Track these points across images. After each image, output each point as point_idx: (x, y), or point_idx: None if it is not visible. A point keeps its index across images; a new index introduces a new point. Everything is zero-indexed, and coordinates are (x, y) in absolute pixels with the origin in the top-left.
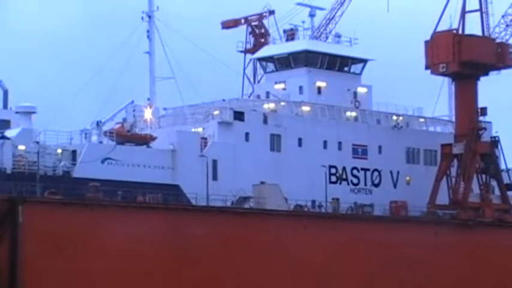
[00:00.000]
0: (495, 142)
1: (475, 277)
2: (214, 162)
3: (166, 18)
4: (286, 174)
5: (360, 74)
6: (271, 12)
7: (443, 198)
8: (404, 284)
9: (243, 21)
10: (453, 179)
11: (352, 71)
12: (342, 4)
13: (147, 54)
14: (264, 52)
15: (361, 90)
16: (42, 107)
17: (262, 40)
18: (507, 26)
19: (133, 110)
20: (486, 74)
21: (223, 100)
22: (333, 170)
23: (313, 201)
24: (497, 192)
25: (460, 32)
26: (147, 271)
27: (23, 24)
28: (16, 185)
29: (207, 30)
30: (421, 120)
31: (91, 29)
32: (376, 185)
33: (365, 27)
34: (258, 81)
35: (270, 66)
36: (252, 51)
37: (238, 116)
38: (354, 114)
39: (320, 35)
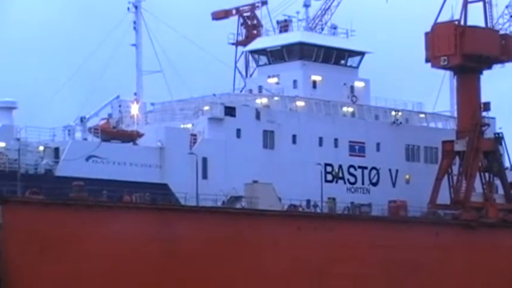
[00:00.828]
0: (499, 139)
1: (477, 281)
2: (204, 160)
3: (153, 9)
4: (279, 172)
5: (357, 67)
6: (264, 3)
7: (444, 197)
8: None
9: (234, 12)
10: (455, 178)
11: (349, 64)
12: None
13: (133, 46)
14: (256, 44)
15: (359, 84)
16: (23, 102)
17: (255, 32)
18: (511, 17)
19: (119, 106)
20: (489, 67)
21: (214, 95)
22: (329, 168)
23: (308, 201)
24: (501, 191)
25: (462, 23)
26: (134, 274)
27: (1, 15)
28: None
29: (196, 21)
30: (422, 115)
31: (74, 20)
32: (374, 184)
33: (362, 18)
34: (250, 75)
35: (263, 59)
36: (244, 43)
37: (230, 111)
38: (350, 109)
39: (315, 27)
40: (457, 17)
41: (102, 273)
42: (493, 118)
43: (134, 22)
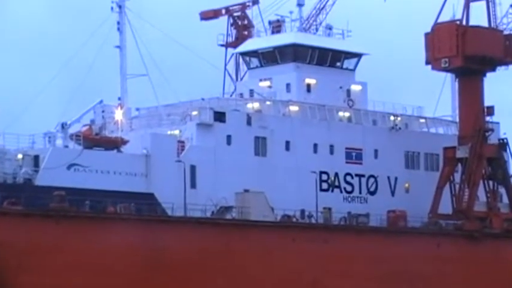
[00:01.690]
0: (503, 145)
1: None
2: (193, 168)
3: (138, 9)
4: (272, 181)
5: (354, 69)
6: (255, 2)
7: (446, 207)
8: None
9: (223, 11)
10: (457, 186)
11: (345, 66)
12: None
13: (117, 48)
14: (247, 46)
15: (355, 87)
16: (1, 107)
17: (245, 33)
18: None
19: (103, 111)
20: (493, 69)
21: (202, 99)
22: (324, 177)
23: (303, 211)
24: (505, 200)
25: (464, 23)
26: None
27: None
28: None
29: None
30: (422, 120)
31: (54, 20)
32: (372, 193)
33: (359, 17)
34: (241, 78)
35: (254, 61)
36: (234, 44)
37: (219, 116)
38: (347, 114)
39: (309, 27)
40: (458, 16)
41: (83, 287)
42: (497, 123)
43: (118, 23)
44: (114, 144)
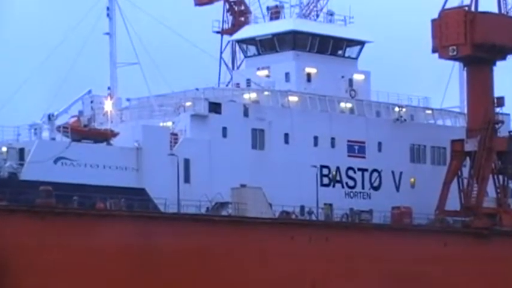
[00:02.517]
0: None
1: None
2: (187, 161)
3: None
4: (270, 175)
5: (357, 58)
6: None
7: (453, 203)
8: None
9: None
10: (465, 181)
11: (347, 54)
12: None
13: (107, 35)
14: (244, 33)
15: (358, 77)
16: None
17: (242, 19)
18: None
19: (91, 101)
20: (503, 58)
21: (197, 89)
22: (325, 171)
23: (302, 207)
24: None
25: (473, 9)
26: None
27: None
28: None
29: (177, 7)
30: (428, 112)
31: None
32: (376, 188)
33: (362, 3)
34: (238, 67)
35: (251, 49)
36: (230, 31)
37: (214, 107)
38: (349, 105)
39: (309, 13)
40: (467, 2)
41: (71, 287)
42: (508, 114)
43: (108, 8)
44: (104, 137)
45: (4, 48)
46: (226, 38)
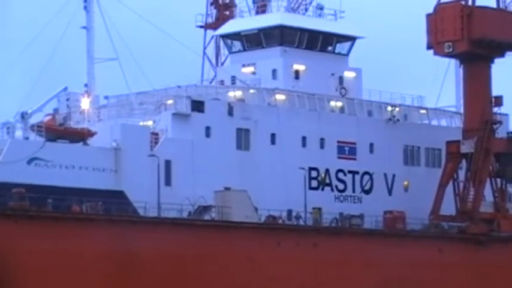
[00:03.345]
0: None
1: None
2: (168, 163)
3: None
4: (256, 178)
5: (347, 55)
6: None
7: (449, 207)
8: None
9: None
10: (461, 184)
11: (337, 51)
12: None
13: (84, 29)
14: (228, 28)
15: (349, 74)
16: None
17: (227, 13)
18: None
19: (67, 99)
20: (502, 55)
21: (179, 87)
22: (314, 173)
23: (290, 212)
24: None
25: (470, 3)
26: None
27: None
28: None
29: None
30: (422, 111)
31: None
32: (367, 192)
33: None
34: (222, 64)
35: (237, 45)
36: (214, 26)
37: (197, 106)
38: (339, 104)
39: (298, 7)
40: None
41: None
42: (506, 115)
43: (85, 0)
44: (80, 136)
45: None
46: (210, 32)
